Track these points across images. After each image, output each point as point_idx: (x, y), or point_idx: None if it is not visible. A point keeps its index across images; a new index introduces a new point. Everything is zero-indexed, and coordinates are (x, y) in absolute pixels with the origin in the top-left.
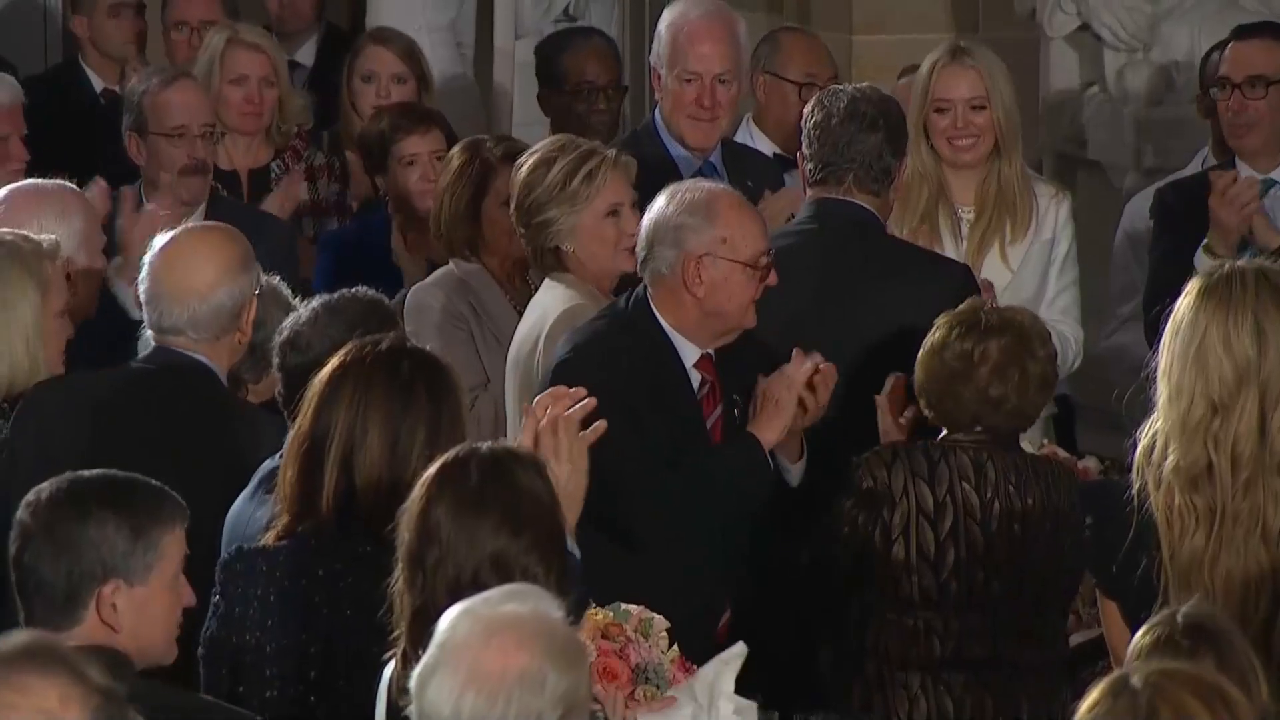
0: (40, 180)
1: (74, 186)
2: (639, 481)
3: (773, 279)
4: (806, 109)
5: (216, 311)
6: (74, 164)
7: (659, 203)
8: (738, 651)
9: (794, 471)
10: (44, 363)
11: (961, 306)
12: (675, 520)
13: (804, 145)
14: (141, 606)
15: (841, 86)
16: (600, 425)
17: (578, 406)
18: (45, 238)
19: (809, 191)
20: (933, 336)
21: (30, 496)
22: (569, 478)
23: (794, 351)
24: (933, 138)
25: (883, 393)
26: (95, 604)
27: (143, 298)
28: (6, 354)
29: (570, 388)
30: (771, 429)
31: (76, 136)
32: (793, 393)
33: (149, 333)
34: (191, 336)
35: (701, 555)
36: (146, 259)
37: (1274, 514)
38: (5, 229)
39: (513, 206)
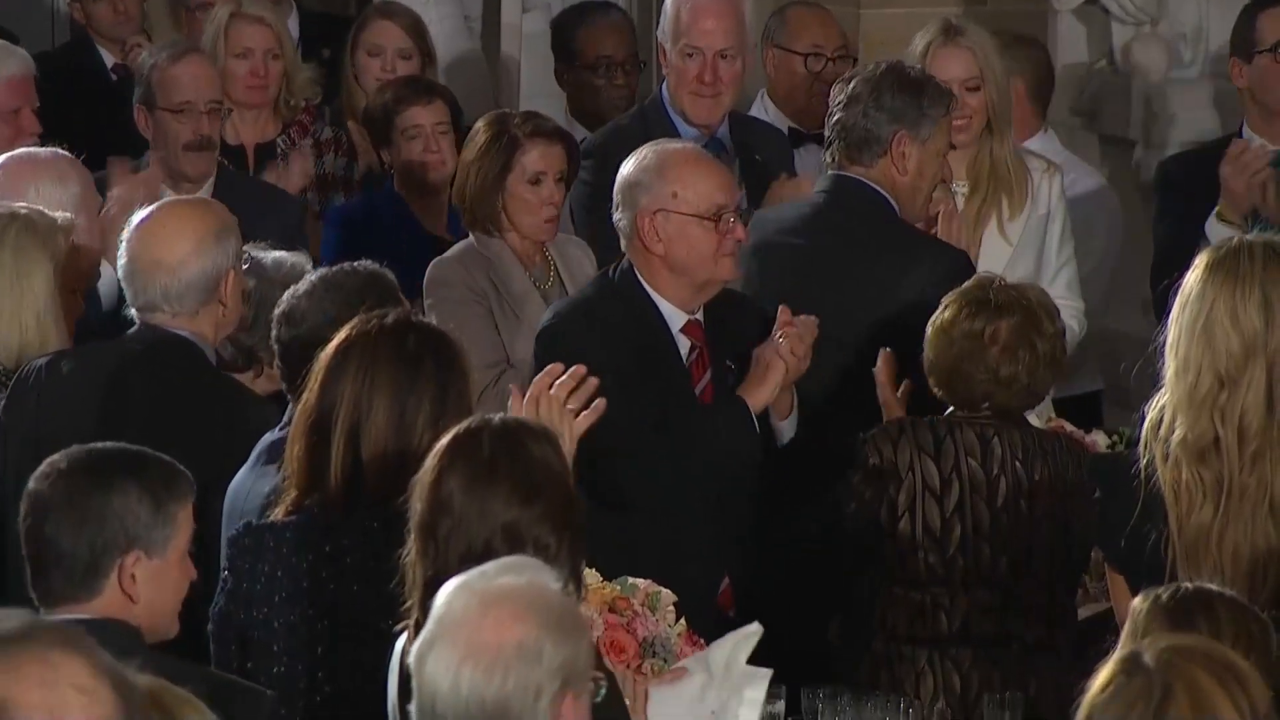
0: (36, 148)
1: (70, 154)
2: (627, 445)
3: (739, 233)
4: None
5: (189, 285)
6: (86, 139)
7: (624, 167)
8: (753, 630)
9: (784, 428)
10: (55, 338)
11: (969, 283)
12: (664, 484)
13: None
14: (157, 578)
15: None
16: (600, 404)
17: (567, 377)
18: (61, 215)
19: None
20: (941, 315)
21: (44, 468)
22: None
23: (779, 309)
24: None
25: (877, 368)
26: (117, 575)
27: (121, 275)
28: (18, 327)
29: (556, 355)
30: (760, 392)
31: (89, 111)
32: (780, 358)
33: (132, 311)
34: (168, 311)
35: (694, 522)
36: (124, 237)
37: None
38: (20, 204)
39: None
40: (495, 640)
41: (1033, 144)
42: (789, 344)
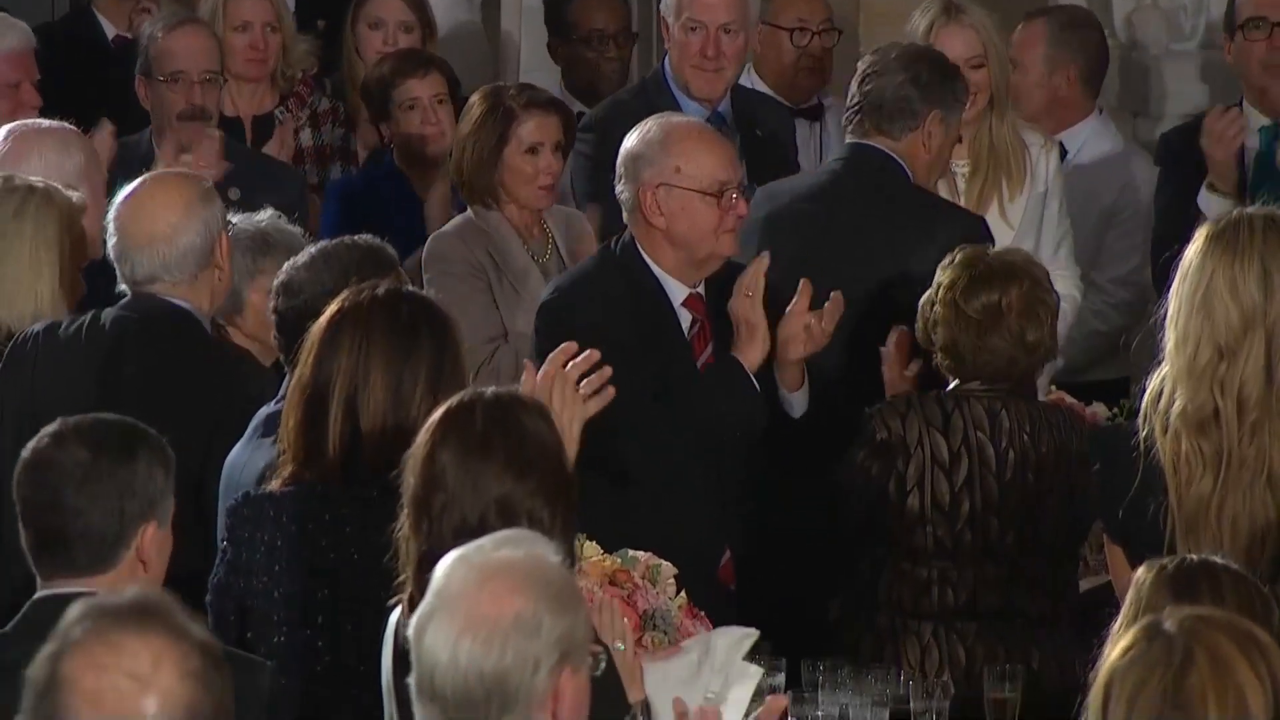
0: (42, 119)
1: (74, 127)
2: (628, 419)
3: (741, 209)
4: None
5: (186, 252)
6: (86, 110)
7: (627, 140)
8: (754, 633)
9: (794, 400)
10: (64, 313)
11: (962, 258)
12: (666, 457)
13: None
14: (162, 548)
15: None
16: (609, 393)
17: (582, 361)
18: (76, 194)
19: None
20: (943, 295)
21: (49, 438)
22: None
23: (801, 282)
24: None
25: (888, 345)
26: (139, 544)
27: (113, 255)
28: (33, 298)
29: (557, 329)
30: (751, 350)
31: (89, 83)
32: (756, 309)
33: (123, 287)
34: (167, 280)
35: (696, 495)
36: (110, 217)
37: None
38: (36, 178)
39: None
40: (494, 612)
41: (1084, 128)
42: (824, 324)
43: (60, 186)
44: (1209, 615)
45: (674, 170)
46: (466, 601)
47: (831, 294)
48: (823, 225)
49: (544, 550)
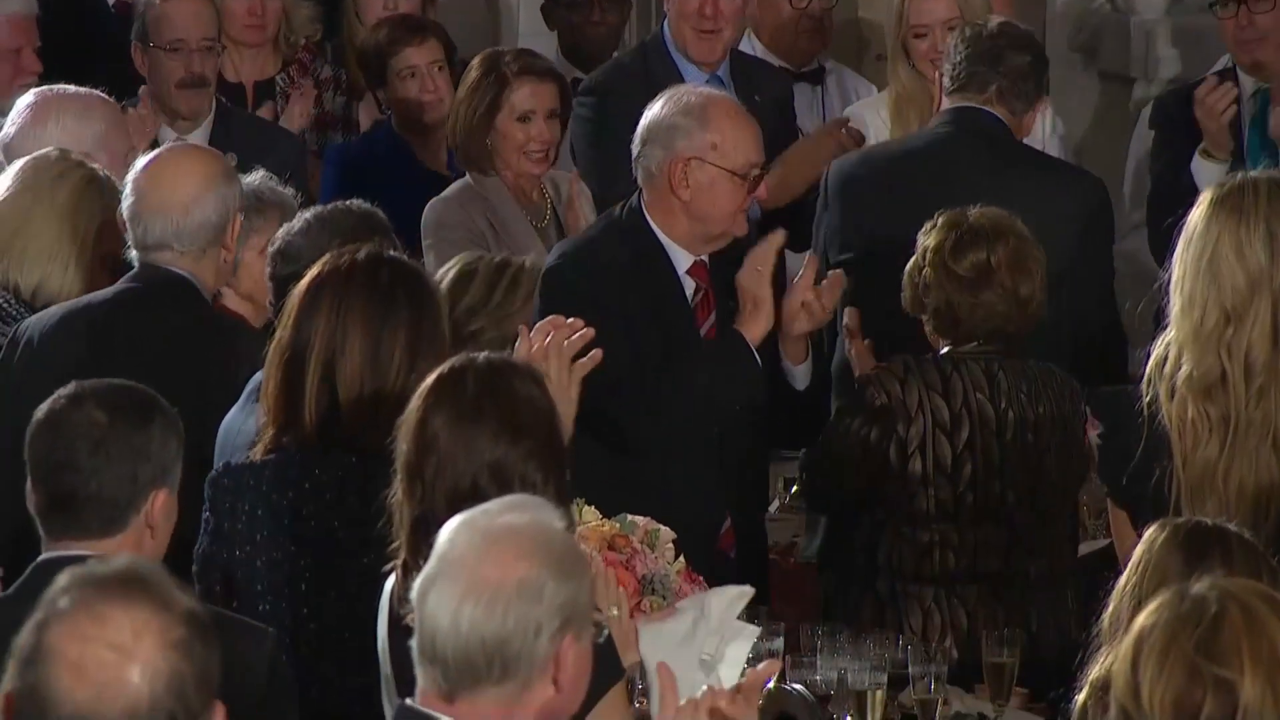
0: (68, 85)
1: (103, 94)
2: (629, 388)
3: (762, 192)
4: (955, 31)
5: (201, 225)
6: (87, 77)
7: (656, 104)
8: (748, 590)
9: (798, 374)
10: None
11: (940, 222)
12: (665, 426)
13: (948, 53)
14: (170, 513)
15: None
16: (596, 354)
17: (576, 336)
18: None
19: (944, 101)
20: (931, 258)
21: (69, 401)
22: (560, 406)
23: (807, 257)
24: (915, 60)
25: (847, 322)
26: (149, 509)
27: (126, 216)
28: (47, 268)
29: (560, 297)
30: (755, 325)
31: (90, 49)
32: (764, 285)
33: (133, 252)
34: (176, 249)
35: (696, 464)
36: (129, 178)
37: None
38: (81, 154)
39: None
40: (496, 577)
41: None
42: (823, 301)
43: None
44: (1240, 581)
45: (710, 146)
46: (469, 566)
47: (830, 272)
48: (935, 186)
49: (549, 516)
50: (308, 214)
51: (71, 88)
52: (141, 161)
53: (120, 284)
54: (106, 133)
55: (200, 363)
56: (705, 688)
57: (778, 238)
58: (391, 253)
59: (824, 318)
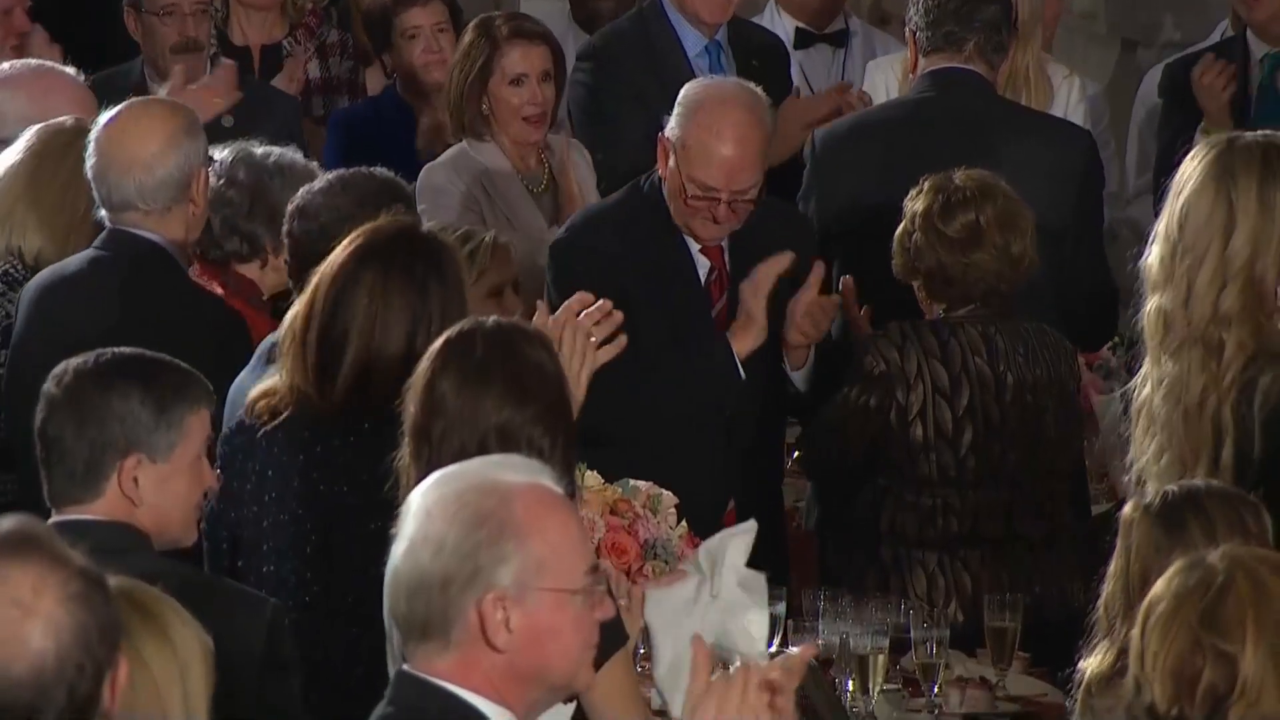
0: (32, 60)
1: (70, 73)
2: (613, 380)
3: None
4: None
5: (164, 181)
6: (80, 41)
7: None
8: (748, 527)
9: (797, 379)
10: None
11: (926, 186)
12: (640, 418)
13: (916, 16)
14: (162, 483)
15: None
16: (621, 340)
17: (594, 311)
18: None
19: (920, 63)
20: (920, 223)
21: (58, 370)
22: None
23: (814, 267)
24: None
25: (841, 290)
26: (117, 477)
27: (90, 175)
28: (66, 237)
29: (569, 269)
30: (744, 338)
31: (83, 13)
32: (759, 300)
33: (102, 213)
34: (141, 208)
35: (701, 443)
36: (91, 137)
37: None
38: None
39: None
40: (411, 531)
41: None
42: (818, 324)
43: None
44: (1250, 549)
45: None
46: (407, 521)
47: (842, 279)
48: (928, 146)
49: (545, 479)
50: (330, 175)
51: (35, 61)
52: (103, 119)
53: (94, 252)
54: (67, 108)
55: (171, 332)
56: (739, 663)
57: (783, 260)
58: (419, 228)
59: (816, 336)
